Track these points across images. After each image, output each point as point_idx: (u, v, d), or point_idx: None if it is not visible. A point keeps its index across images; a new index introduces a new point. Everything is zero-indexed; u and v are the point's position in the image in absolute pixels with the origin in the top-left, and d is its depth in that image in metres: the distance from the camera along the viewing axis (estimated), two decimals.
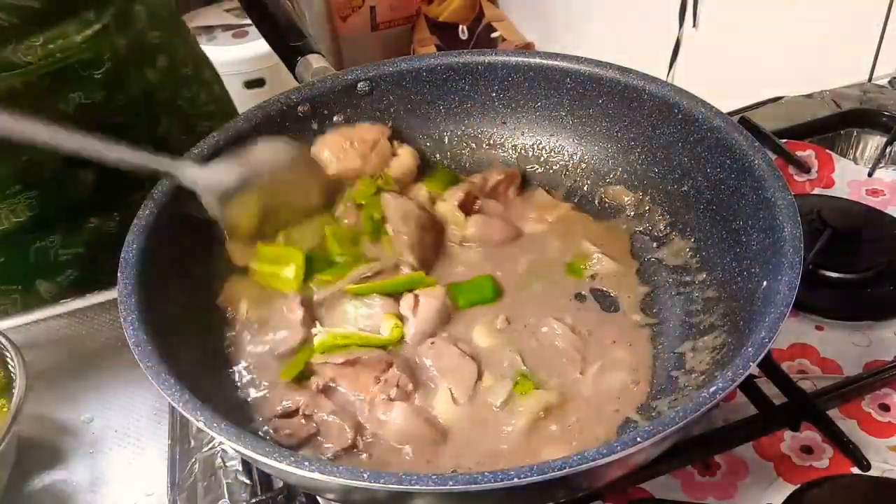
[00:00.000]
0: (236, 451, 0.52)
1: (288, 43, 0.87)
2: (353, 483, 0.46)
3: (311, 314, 0.67)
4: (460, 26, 2.73)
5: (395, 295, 0.69)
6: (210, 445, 0.68)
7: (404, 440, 0.60)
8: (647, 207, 0.76)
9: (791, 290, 0.54)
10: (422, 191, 0.78)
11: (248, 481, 0.65)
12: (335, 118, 0.80)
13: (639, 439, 0.47)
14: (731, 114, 0.84)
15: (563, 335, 0.66)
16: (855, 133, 0.97)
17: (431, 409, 0.62)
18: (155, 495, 0.67)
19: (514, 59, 0.79)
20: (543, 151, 0.82)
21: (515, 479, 0.45)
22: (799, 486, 0.62)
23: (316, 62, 0.83)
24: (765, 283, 0.58)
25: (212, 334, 0.67)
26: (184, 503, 0.64)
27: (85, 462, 0.70)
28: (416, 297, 0.68)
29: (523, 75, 0.79)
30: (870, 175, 0.93)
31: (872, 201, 0.89)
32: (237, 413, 0.62)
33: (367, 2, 2.74)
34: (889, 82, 1.08)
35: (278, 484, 0.64)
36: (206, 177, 0.67)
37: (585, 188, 0.80)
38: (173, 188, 0.67)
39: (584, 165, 0.80)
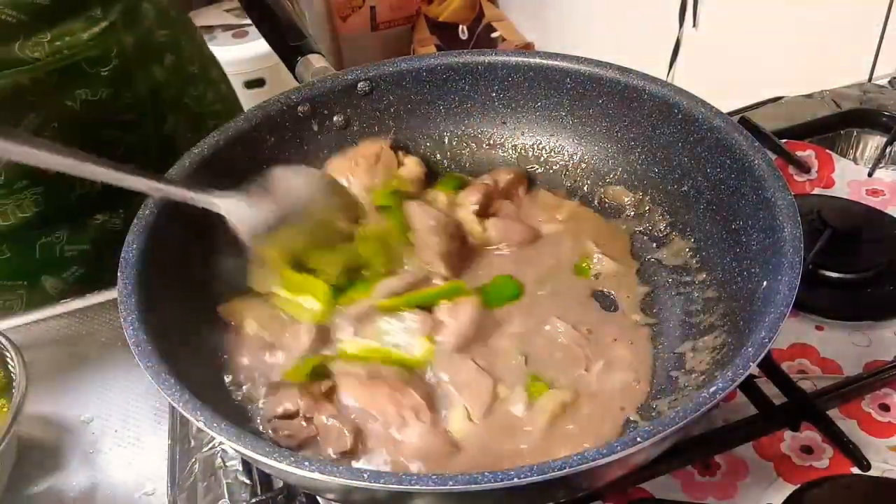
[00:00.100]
0: (236, 451, 0.52)
1: (288, 43, 0.86)
2: (353, 483, 0.46)
3: (320, 343, 0.66)
4: (460, 26, 2.73)
5: (428, 307, 0.67)
6: (210, 445, 0.68)
7: (417, 459, 0.59)
8: (647, 207, 0.76)
9: (791, 290, 0.54)
10: (440, 196, 0.77)
11: (248, 481, 0.65)
12: (335, 118, 0.80)
13: (639, 439, 0.46)
14: (731, 114, 0.84)
15: (565, 332, 0.66)
16: (855, 133, 0.97)
17: (445, 424, 0.61)
18: (155, 495, 0.67)
19: (514, 59, 0.79)
20: (543, 151, 0.82)
21: (515, 479, 0.45)
22: (799, 486, 0.62)
23: (316, 62, 0.83)
24: (765, 283, 0.58)
25: (212, 335, 0.67)
26: (184, 503, 0.64)
27: (85, 462, 0.70)
28: (454, 303, 0.67)
29: (523, 75, 0.79)
30: (870, 175, 0.93)
31: (872, 201, 0.89)
32: (237, 413, 0.62)
33: (367, 2, 2.74)
34: (889, 82, 1.08)
35: (278, 484, 0.64)
36: (245, 214, 0.65)
37: (585, 188, 0.80)
38: None
39: (584, 165, 0.80)
